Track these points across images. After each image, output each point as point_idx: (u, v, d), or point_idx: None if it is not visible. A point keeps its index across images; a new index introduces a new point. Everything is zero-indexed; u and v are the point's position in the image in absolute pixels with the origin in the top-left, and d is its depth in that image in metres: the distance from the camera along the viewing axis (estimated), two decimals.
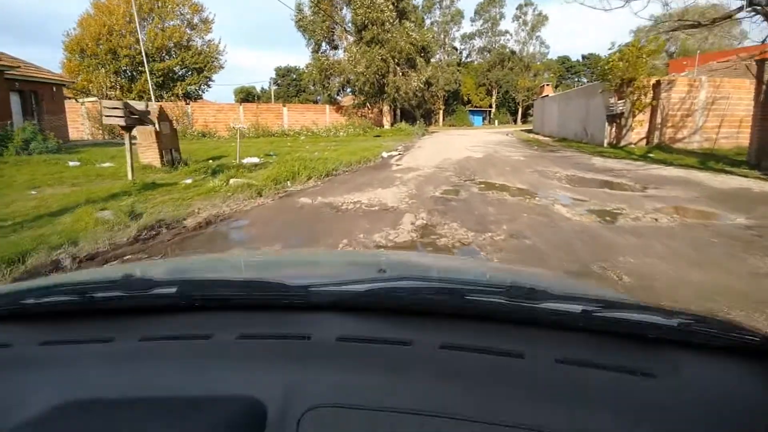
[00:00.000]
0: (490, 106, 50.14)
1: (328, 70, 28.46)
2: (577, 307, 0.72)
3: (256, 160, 12.49)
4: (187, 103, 28.05)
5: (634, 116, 14.69)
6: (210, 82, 34.54)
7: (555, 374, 0.64)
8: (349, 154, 13.23)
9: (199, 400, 0.59)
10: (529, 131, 30.56)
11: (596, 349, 0.70)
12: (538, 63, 49.41)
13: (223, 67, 34.21)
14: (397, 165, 11.60)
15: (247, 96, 46.00)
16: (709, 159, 11.17)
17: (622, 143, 14.94)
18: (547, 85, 31.36)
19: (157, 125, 10.37)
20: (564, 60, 64.20)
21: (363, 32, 25.91)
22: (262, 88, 57.84)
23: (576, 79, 65.09)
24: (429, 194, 6.98)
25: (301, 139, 23.31)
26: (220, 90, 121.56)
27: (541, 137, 23.60)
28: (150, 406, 0.59)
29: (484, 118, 50.33)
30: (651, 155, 12.42)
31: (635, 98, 14.35)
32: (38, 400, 0.60)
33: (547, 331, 0.74)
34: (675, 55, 37.66)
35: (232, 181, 7.42)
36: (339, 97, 34.90)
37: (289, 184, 7.95)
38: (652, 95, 14.50)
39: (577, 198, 6.58)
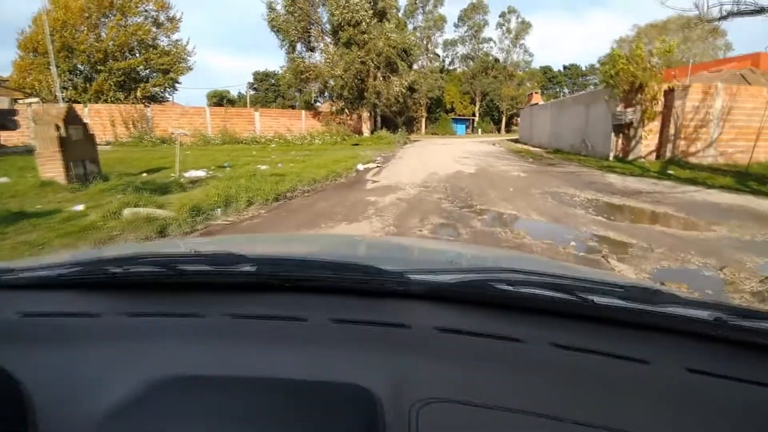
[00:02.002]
0: (474, 115, 48.53)
1: (304, 73, 26.16)
2: (705, 313, 0.68)
3: (201, 173, 10.13)
4: (146, 106, 25.31)
5: (644, 126, 12.83)
6: (177, 84, 31.93)
7: (686, 384, 0.59)
8: (317, 167, 10.97)
9: (299, 385, 0.56)
10: (515, 141, 28.78)
11: (730, 360, 0.64)
12: (522, 71, 48.05)
13: (191, 69, 31.56)
14: (374, 182, 9.38)
15: (220, 100, 43.33)
16: (743, 177, 9.30)
17: (631, 157, 13.05)
18: (536, 92, 29.73)
19: (63, 130, 7.93)
20: (546, 70, 63.37)
21: (339, 33, 23.71)
22: (239, 93, 55.29)
23: (558, 90, 64.35)
24: (414, 235, 4.79)
25: (270, 147, 20.93)
26: (192, 93, 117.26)
27: (531, 148, 21.73)
28: (245, 387, 0.55)
29: (467, 127, 48.67)
30: (670, 172, 10.51)
31: (646, 106, 12.49)
32: (125, 376, 0.57)
33: (672, 336, 0.68)
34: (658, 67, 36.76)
35: (127, 211, 5.08)
36: (318, 103, 32.73)
37: (218, 213, 5.65)
38: (663, 103, 12.68)
39: (629, 243, 4.47)
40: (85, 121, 9.30)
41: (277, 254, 1.11)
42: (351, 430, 0.49)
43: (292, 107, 37.98)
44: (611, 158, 13.42)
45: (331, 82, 26.03)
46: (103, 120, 24.17)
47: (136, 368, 0.60)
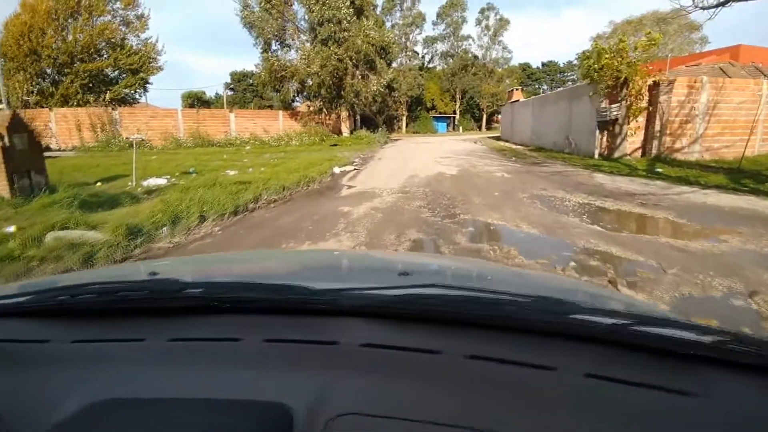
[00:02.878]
0: (455, 113, 48.05)
1: (280, 71, 25.17)
2: (609, 321, 0.71)
3: (162, 181, 9.25)
4: (114, 109, 24.04)
5: (629, 123, 12.36)
6: (148, 85, 30.59)
7: (587, 389, 0.62)
8: (290, 171, 10.18)
9: (228, 404, 0.58)
10: (497, 138, 28.35)
11: (628, 365, 0.67)
12: (501, 68, 47.73)
13: (161, 69, 30.20)
14: (349, 188, 8.65)
15: (195, 101, 41.80)
16: (736, 175, 8.86)
17: (616, 154, 12.57)
18: (517, 89, 29.28)
19: (6, 139, 6.98)
20: (525, 67, 63.38)
21: (318, 29, 22.83)
22: (216, 94, 53.76)
23: (537, 86, 64.47)
24: None
25: (245, 150, 19.99)
26: (167, 95, 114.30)
27: (513, 146, 21.26)
28: (180, 408, 0.59)
29: (448, 125, 48.17)
30: (659, 170, 10.03)
31: (631, 102, 12.02)
32: (73, 398, 0.60)
33: (577, 344, 0.71)
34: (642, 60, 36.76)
35: (51, 236, 4.24)
36: (297, 103, 31.78)
37: (164, 233, 4.86)
38: (648, 98, 12.23)
39: (636, 261, 3.84)
40: (50, 125, 8.35)
41: (219, 277, 1.19)
42: None
43: (271, 108, 36.89)
44: (596, 156, 12.94)
45: (309, 81, 25.12)
46: (70, 125, 22.87)
47: (83, 392, 0.62)
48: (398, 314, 0.78)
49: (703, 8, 6.87)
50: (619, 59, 11.69)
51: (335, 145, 22.18)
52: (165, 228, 4.95)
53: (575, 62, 62.75)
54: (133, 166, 9.04)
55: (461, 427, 0.54)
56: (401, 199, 7.00)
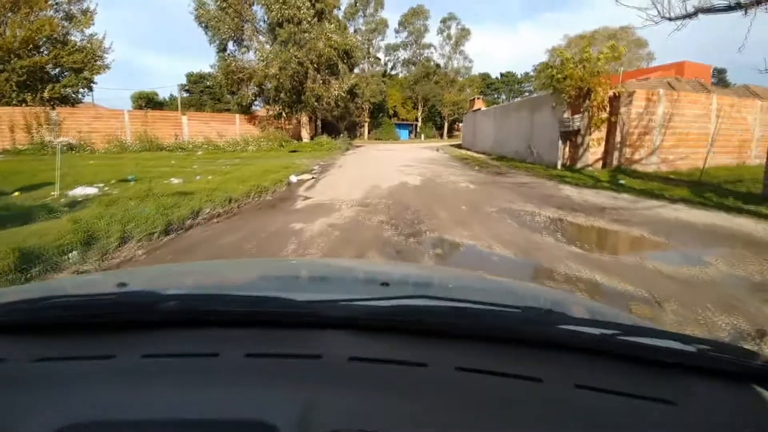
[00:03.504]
0: (417, 120, 48.08)
1: (237, 73, 24.01)
2: (595, 331, 0.71)
3: (93, 190, 8.21)
4: (52, 108, 22.08)
5: (590, 134, 12.30)
6: (92, 84, 28.48)
7: (574, 399, 0.62)
8: (241, 180, 9.31)
9: (207, 423, 0.56)
10: (458, 146, 28.30)
11: (615, 375, 0.68)
12: (463, 78, 48.26)
13: (109, 68, 28.09)
14: (305, 199, 7.92)
15: (147, 102, 39.54)
16: (698, 188, 8.81)
17: (579, 165, 12.48)
18: (479, 98, 29.39)
19: None
20: (485, 77, 64.58)
21: (278, 30, 21.88)
22: (171, 95, 51.37)
23: (496, 96, 65.79)
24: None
25: (197, 155, 18.77)
26: (118, 95, 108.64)
27: (475, 154, 21.11)
28: (156, 430, 0.56)
29: (410, 132, 48.12)
30: (622, 182, 9.91)
31: (593, 113, 11.96)
32: (34, 423, 0.56)
33: (565, 354, 0.70)
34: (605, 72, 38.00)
35: None
36: (258, 107, 30.57)
37: (73, 258, 3.98)
38: (609, 110, 12.22)
39: (627, 293, 3.37)
40: None
41: (195, 288, 1.11)
42: None
43: (229, 111, 35.34)
44: (559, 166, 12.81)
45: (268, 84, 24.10)
46: (2, 125, 20.79)
47: (47, 416, 0.57)
48: (384, 326, 0.76)
49: (670, 19, 6.67)
50: (582, 69, 11.60)
51: (295, 151, 21.30)
52: (74, 252, 4.07)
53: (532, 73, 64.90)
54: (56, 174, 7.92)
55: None
56: (361, 213, 6.36)
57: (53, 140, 9.67)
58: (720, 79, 43.16)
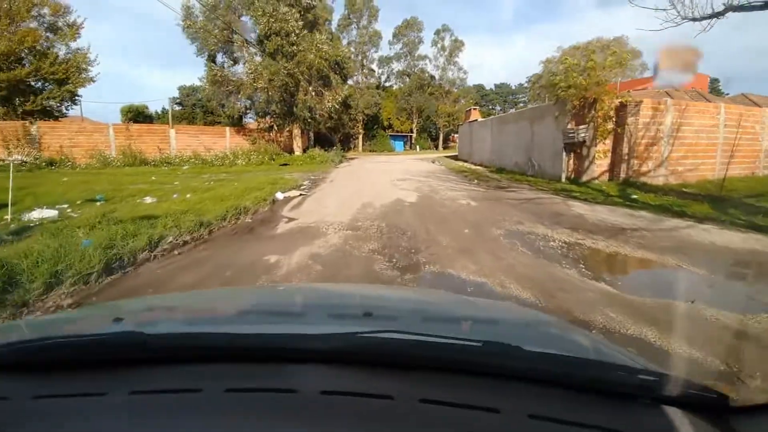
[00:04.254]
0: (411, 131, 47.49)
1: (226, 85, 23.26)
2: (548, 364, 0.75)
3: (53, 213, 7.32)
4: (31, 123, 21.16)
5: (596, 145, 11.56)
6: (77, 97, 27.61)
7: (528, 430, 0.64)
8: (221, 198, 8.46)
9: None
10: (454, 158, 27.59)
11: (569, 405, 0.70)
12: (457, 89, 47.85)
13: (93, 80, 27.26)
14: (288, 222, 7.06)
15: (137, 116, 38.68)
16: (719, 203, 8.03)
17: (585, 178, 11.71)
18: (475, 108, 28.77)
19: None
20: (479, 88, 64.42)
21: (265, 42, 21.18)
22: (164, 108, 50.54)
23: (491, 107, 65.55)
24: None
25: (182, 170, 17.90)
26: (107, 108, 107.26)
27: (472, 166, 20.37)
28: None
29: (405, 143, 47.48)
30: (634, 196, 9.13)
31: (599, 123, 11.23)
32: None
33: (522, 385, 0.74)
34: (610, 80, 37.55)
35: None
36: (250, 120, 29.79)
37: None
38: (615, 120, 11.50)
39: (697, 361, 2.52)
40: None
41: (181, 323, 1.19)
42: None
43: (220, 124, 34.51)
44: (563, 180, 12.03)
45: (258, 97, 23.35)
46: None
47: None
48: (354, 360, 0.80)
49: (694, 19, 5.95)
50: (586, 78, 10.89)
51: (285, 164, 20.48)
52: None
53: (526, 85, 64.80)
54: (9, 195, 7.02)
55: None
56: (350, 240, 5.50)
57: (6, 159, 8.73)
58: (713, 88, 42.99)
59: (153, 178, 13.74)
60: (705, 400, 0.71)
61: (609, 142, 11.73)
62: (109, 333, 0.96)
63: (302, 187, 11.91)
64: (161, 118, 45.59)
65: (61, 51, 26.21)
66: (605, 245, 5.25)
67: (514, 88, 69.62)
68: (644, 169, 11.84)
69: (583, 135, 11.19)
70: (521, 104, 60.88)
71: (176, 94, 52.42)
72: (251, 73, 21.42)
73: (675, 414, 0.69)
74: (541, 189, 10.88)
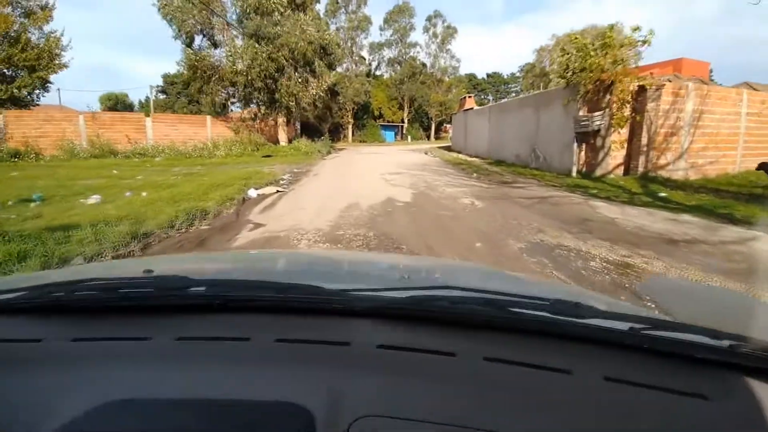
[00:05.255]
0: (403, 121, 45.85)
1: (205, 70, 21.47)
2: (624, 325, 0.69)
3: None
4: None
5: (610, 135, 10.22)
6: (48, 84, 25.59)
7: (604, 392, 0.61)
8: (175, 200, 7.00)
9: (240, 404, 0.56)
10: (448, 149, 26.14)
11: (645, 369, 0.66)
12: (450, 77, 46.18)
13: (66, 66, 25.22)
14: (254, 229, 5.63)
15: (116, 105, 36.67)
16: (765, 203, 6.75)
17: (599, 172, 10.37)
18: (470, 96, 27.28)
19: None
20: (471, 77, 62.81)
21: (245, 22, 19.44)
22: (147, 97, 48.32)
23: (483, 97, 64.00)
24: None
25: (155, 162, 16.27)
26: (91, 97, 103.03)
27: (468, 158, 18.98)
28: (189, 408, 0.56)
29: (396, 134, 45.84)
30: (662, 194, 7.83)
31: (615, 110, 9.87)
32: (72, 400, 0.56)
33: (594, 347, 0.69)
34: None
35: None
36: (237, 109, 27.98)
37: None
38: (632, 106, 10.14)
39: None
40: None
41: (224, 276, 1.11)
42: None
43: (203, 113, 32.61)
44: (574, 174, 10.68)
45: (240, 82, 21.61)
46: None
47: (81, 393, 0.58)
48: (412, 316, 0.76)
49: None
50: (602, 57, 9.50)
51: (268, 156, 18.92)
52: None
53: (518, 74, 63.26)
54: None
55: (478, 429, 0.53)
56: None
57: None
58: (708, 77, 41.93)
59: (114, 171, 12.13)
60: None
61: (625, 131, 10.39)
62: (148, 277, 0.88)
63: (281, 182, 10.43)
64: (145, 107, 43.54)
65: (34, 36, 24.19)
66: (663, 266, 3.91)
67: (506, 77, 68.12)
68: (662, 161, 10.53)
69: (598, 123, 9.83)
70: (513, 94, 59.45)
71: (160, 82, 50.35)
72: (230, 56, 19.67)
73: (759, 381, 0.63)
74: (552, 185, 9.51)
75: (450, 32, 43.99)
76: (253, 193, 8.58)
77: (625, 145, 10.35)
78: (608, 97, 9.91)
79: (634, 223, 5.67)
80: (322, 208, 6.94)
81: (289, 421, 0.52)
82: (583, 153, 10.66)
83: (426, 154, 22.47)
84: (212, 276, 1.09)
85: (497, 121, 17.02)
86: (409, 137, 44.33)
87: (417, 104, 45.13)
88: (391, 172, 12.44)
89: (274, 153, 19.80)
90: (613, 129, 10.10)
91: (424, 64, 45.01)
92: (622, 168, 10.60)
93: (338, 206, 6.99)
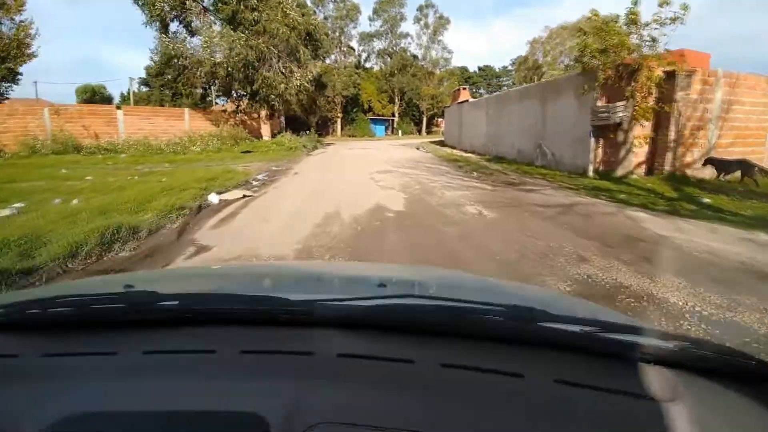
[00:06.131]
0: (393, 115, 44.15)
1: (182, 59, 19.63)
2: (576, 328, 0.70)
3: None
4: None
5: (633, 129, 8.80)
6: (18, 77, 23.54)
7: (554, 395, 0.61)
8: (105, 211, 5.45)
9: (202, 415, 0.57)
10: (440, 143, 24.67)
11: (596, 371, 0.67)
12: (442, 70, 44.50)
13: (36, 56, 23.22)
14: (195, 255, 4.12)
15: (93, 97, 34.50)
16: None
17: (620, 171, 8.93)
18: (464, 88, 25.72)
19: None
20: (463, 70, 61.21)
21: (220, 6, 17.66)
22: (130, 90, 46.03)
23: (474, 90, 62.53)
24: None
25: (118, 159, 14.53)
26: (64, 90, 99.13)
27: (463, 153, 17.54)
28: (153, 420, 0.57)
29: (386, 128, 44.10)
30: (706, 200, 6.45)
31: (639, 99, 8.44)
32: (41, 413, 0.58)
33: (546, 351, 0.70)
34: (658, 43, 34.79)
35: None
36: (223, 102, 26.24)
37: None
38: (657, 95, 8.71)
39: None
40: None
41: (192, 290, 1.10)
42: None
43: (182, 107, 30.63)
44: (591, 173, 9.24)
45: (219, 73, 19.83)
46: None
47: (52, 406, 0.60)
48: (373, 324, 0.77)
49: None
50: (627, 36, 8.04)
51: (248, 152, 17.27)
52: None
53: (510, 67, 61.82)
54: None
55: None
56: None
57: None
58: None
59: (63, 171, 10.44)
60: (743, 367, 0.67)
61: (648, 124, 8.98)
62: (119, 292, 0.92)
63: (253, 184, 8.87)
64: (126, 100, 41.40)
65: (5, 26, 22.12)
66: None
67: (498, 70, 66.64)
68: (688, 159, 9.16)
69: (620, 114, 8.39)
70: (505, 87, 58.03)
71: (143, 74, 48.08)
72: (206, 44, 17.90)
73: (707, 382, 0.66)
74: (568, 187, 8.07)
75: (442, 23, 42.27)
76: (214, 198, 7.04)
77: (649, 141, 8.93)
78: (632, 84, 8.46)
79: (701, 246, 4.24)
80: (293, 220, 5.44)
81: (244, 430, 0.53)
82: (600, 149, 9.21)
83: (418, 149, 20.96)
84: (184, 290, 1.07)
85: (496, 114, 15.54)
86: (400, 132, 42.69)
87: (408, 97, 43.41)
88: (381, 171, 10.93)
89: (255, 149, 18.15)
90: (637, 121, 8.67)
91: (415, 56, 43.30)
92: (644, 167, 9.20)
93: (314, 218, 5.48)
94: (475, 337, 0.73)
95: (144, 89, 49.74)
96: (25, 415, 0.58)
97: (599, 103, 8.88)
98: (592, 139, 9.07)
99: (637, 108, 8.45)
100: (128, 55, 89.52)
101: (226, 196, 7.35)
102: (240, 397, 0.60)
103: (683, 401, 0.60)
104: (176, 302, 0.81)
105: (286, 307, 0.79)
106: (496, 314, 0.73)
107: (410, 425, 0.54)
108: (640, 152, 9.05)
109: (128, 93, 44.61)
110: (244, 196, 7.44)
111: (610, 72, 8.42)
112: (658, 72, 8.54)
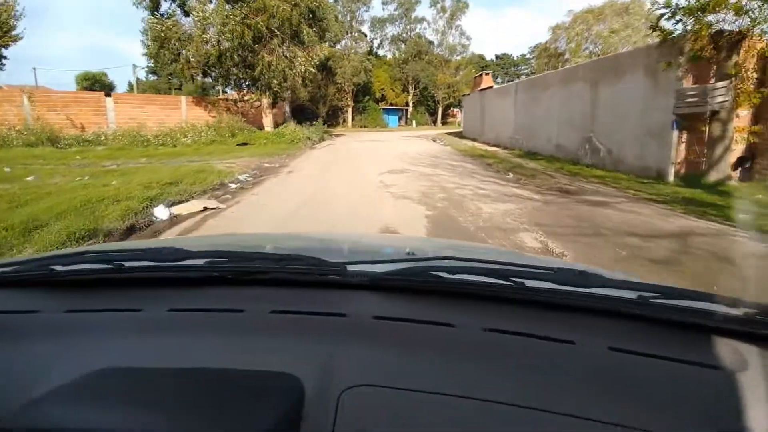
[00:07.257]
0: (407, 104, 41.70)
1: (173, 40, 17.60)
2: (632, 294, 0.66)
3: None
4: None
5: (732, 119, 6.51)
6: (3, 60, 21.92)
7: (608, 363, 0.58)
8: (55, 213, 3.45)
9: (230, 374, 0.54)
10: (458, 135, 22.37)
11: (653, 339, 0.62)
12: (459, 57, 41.80)
13: (21, 38, 21.65)
14: None
15: (94, 84, 32.81)
16: None
17: (713, 176, 6.62)
18: (487, 74, 23.29)
19: None
20: (480, 58, 58.33)
21: None
22: (138, 78, 44.44)
23: (492, 78, 59.54)
24: None
25: (94, 151, 12.63)
26: (67, 77, 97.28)
27: (486, 147, 15.30)
28: (179, 378, 0.54)
29: (400, 118, 41.69)
30: None
31: (742, 80, 6.15)
32: (64, 368, 0.56)
33: (598, 318, 0.66)
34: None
35: None
36: (230, 91, 24.31)
37: None
38: (759, 77, 6.42)
39: None
40: None
41: (220, 248, 1.04)
42: (275, 416, 0.48)
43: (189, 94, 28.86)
44: (671, 177, 6.96)
45: (212, 53, 17.77)
46: None
47: (73, 362, 0.58)
48: (409, 287, 0.73)
49: None
50: None
51: (244, 144, 15.29)
52: None
53: (528, 56, 58.71)
54: None
55: (476, 399, 0.51)
56: None
57: None
58: None
59: (6, 169, 8.52)
60: None
61: (744, 114, 6.70)
62: (143, 248, 0.88)
63: (229, 188, 6.84)
64: (131, 89, 39.82)
65: None
66: None
67: (515, 59, 63.49)
68: None
69: (720, 99, 6.09)
70: (524, 75, 55.00)
71: (147, 62, 46.38)
72: (198, 22, 15.83)
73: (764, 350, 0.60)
74: (649, 198, 5.82)
75: (460, 6, 39.49)
76: (162, 213, 5.03)
77: (751, 136, 6.63)
78: (734, 58, 6.17)
79: None
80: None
81: (278, 390, 0.51)
82: (682, 146, 6.93)
83: (434, 141, 18.74)
84: (209, 250, 0.99)
85: (528, 102, 13.21)
86: (414, 122, 40.29)
87: (422, 86, 40.89)
88: (393, 170, 8.81)
89: (253, 140, 16.13)
90: (737, 108, 6.40)
91: (430, 42, 40.66)
92: (739, 170, 6.93)
93: None
94: (519, 302, 0.69)
95: (153, 78, 48.21)
96: (45, 370, 0.56)
97: (685, 84, 6.59)
98: (675, 132, 6.78)
99: (741, 91, 6.17)
100: (136, 43, 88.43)
101: (182, 208, 5.34)
102: (270, 357, 0.57)
103: (748, 371, 0.55)
104: (202, 260, 0.78)
105: (316, 268, 0.76)
106: (545, 278, 0.69)
107: (451, 389, 0.51)
108: (737, 150, 6.77)
109: (135, 81, 43.06)
110: (205, 209, 5.41)
111: (704, 42, 6.12)
112: (762, 44, 6.23)
